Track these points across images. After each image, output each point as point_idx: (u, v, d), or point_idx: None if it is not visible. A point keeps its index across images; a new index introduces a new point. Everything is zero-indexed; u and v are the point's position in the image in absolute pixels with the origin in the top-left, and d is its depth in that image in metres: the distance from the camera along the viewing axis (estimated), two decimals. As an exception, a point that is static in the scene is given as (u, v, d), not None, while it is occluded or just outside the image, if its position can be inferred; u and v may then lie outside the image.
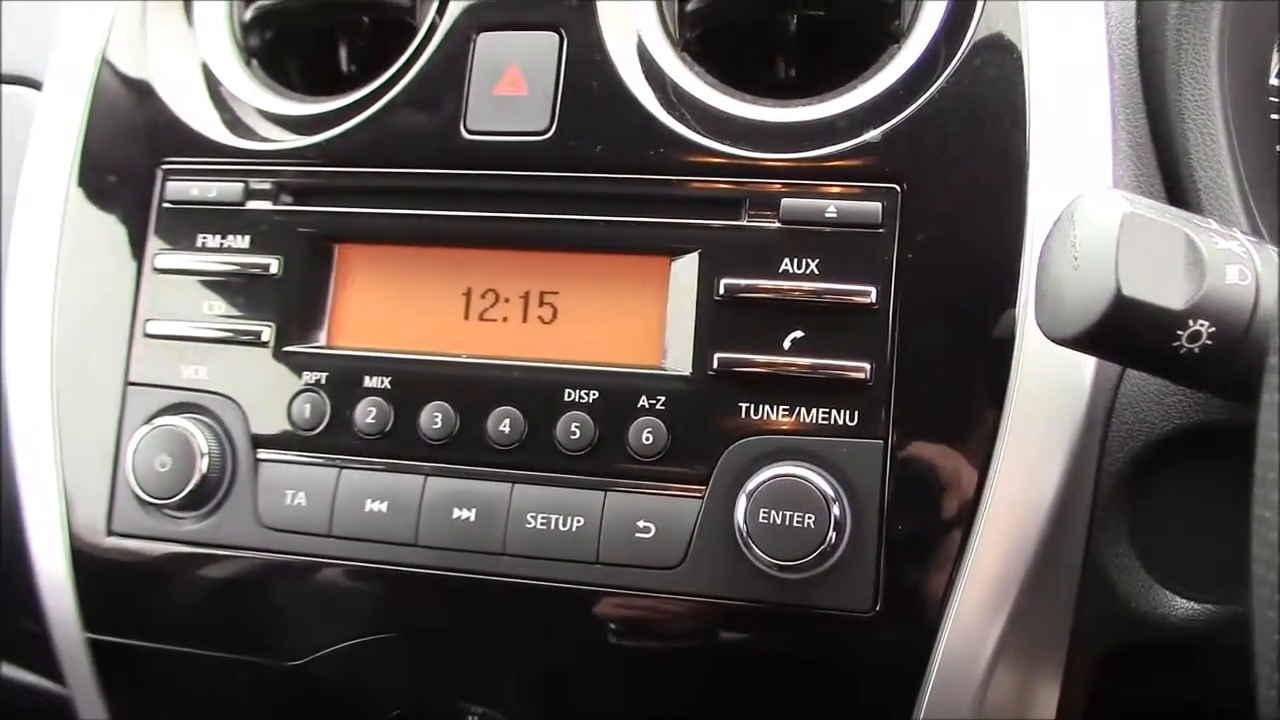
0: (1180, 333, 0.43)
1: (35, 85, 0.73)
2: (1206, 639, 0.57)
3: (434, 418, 0.59)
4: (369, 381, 0.60)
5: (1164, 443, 0.57)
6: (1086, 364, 0.56)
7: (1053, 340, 0.46)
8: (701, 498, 0.56)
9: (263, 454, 0.62)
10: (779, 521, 0.54)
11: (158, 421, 0.62)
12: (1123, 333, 0.43)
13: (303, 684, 0.62)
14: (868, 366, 0.56)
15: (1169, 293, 0.42)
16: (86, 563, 0.64)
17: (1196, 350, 0.43)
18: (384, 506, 0.59)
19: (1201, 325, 0.42)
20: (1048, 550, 0.56)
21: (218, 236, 0.64)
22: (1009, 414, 0.55)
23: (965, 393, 0.56)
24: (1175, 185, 0.57)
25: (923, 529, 0.55)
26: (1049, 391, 0.55)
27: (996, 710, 0.57)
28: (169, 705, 0.69)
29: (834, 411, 0.56)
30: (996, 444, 0.55)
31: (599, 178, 0.60)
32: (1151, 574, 0.58)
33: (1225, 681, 0.60)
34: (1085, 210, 0.44)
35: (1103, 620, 0.58)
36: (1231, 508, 0.56)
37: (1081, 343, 0.44)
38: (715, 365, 0.57)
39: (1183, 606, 0.57)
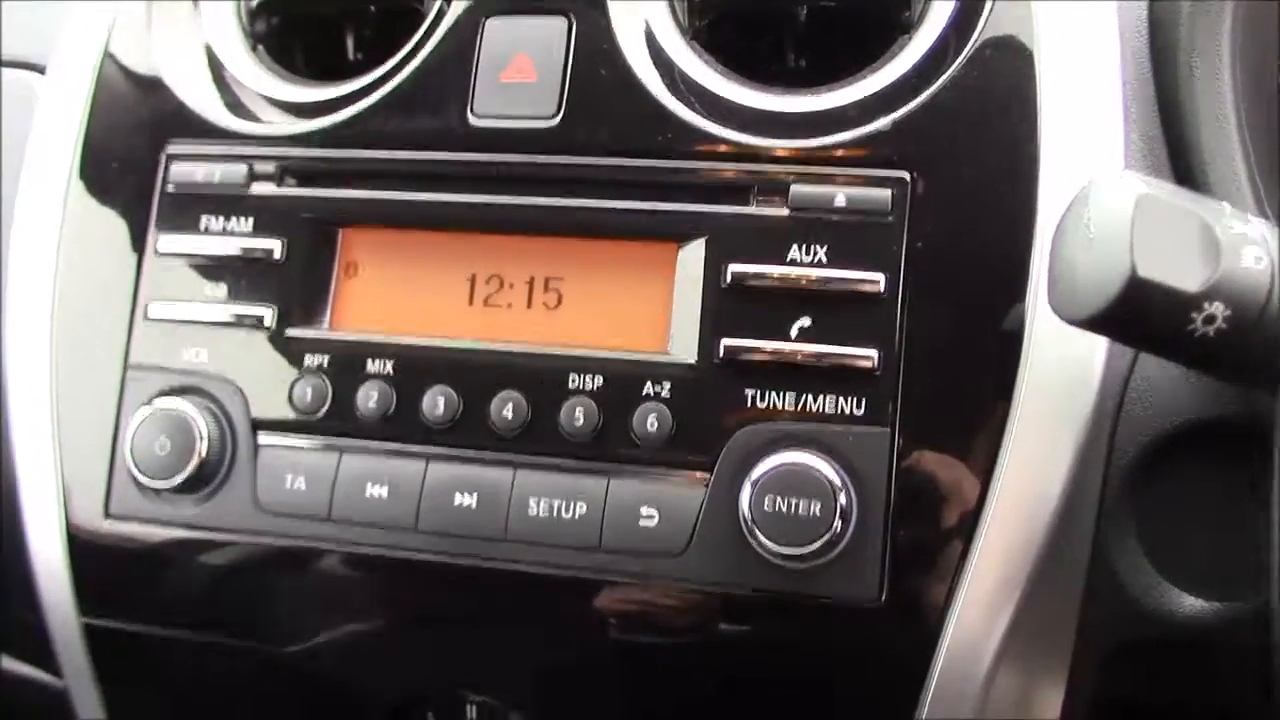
0: (1195, 315, 0.42)
1: (39, 69, 0.73)
2: (1213, 636, 0.56)
3: (436, 403, 0.59)
4: (371, 366, 0.60)
5: (1173, 438, 0.56)
6: (1096, 357, 0.55)
7: (1066, 321, 0.46)
8: (706, 485, 0.56)
9: (263, 438, 0.61)
10: (784, 509, 0.53)
11: (157, 404, 0.61)
12: (1136, 314, 0.42)
13: (300, 671, 0.62)
14: (875, 355, 0.55)
15: (1184, 274, 0.42)
16: (83, 546, 0.64)
17: (1211, 334, 0.42)
18: (384, 492, 0.59)
19: (1216, 308, 0.42)
20: (1055, 544, 0.55)
21: (221, 220, 0.64)
22: (1017, 406, 0.54)
23: (973, 384, 0.55)
24: (1186, 176, 0.57)
25: (930, 519, 0.55)
26: (1058, 384, 0.55)
27: (1001, 703, 0.57)
28: (163, 696, 0.68)
29: (841, 400, 0.55)
30: (1004, 436, 0.54)
31: (606, 165, 0.59)
32: (1159, 570, 0.57)
33: (1232, 680, 0.60)
34: (1100, 191, 0.44)
35: (1109, 616, 0.57)
36: (1239, 504, 0.56)
37: (1095, 324, 0.44)
38: (721, 353, 0.56)
39: (1190, 603, 0.57)
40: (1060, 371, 0.55)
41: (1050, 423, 0.55)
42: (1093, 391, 0.55)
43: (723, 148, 0.58)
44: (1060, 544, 0.55)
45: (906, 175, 0.56)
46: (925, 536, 0.55)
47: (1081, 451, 0.55)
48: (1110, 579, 0.57)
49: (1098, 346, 0.55)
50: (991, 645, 0.55)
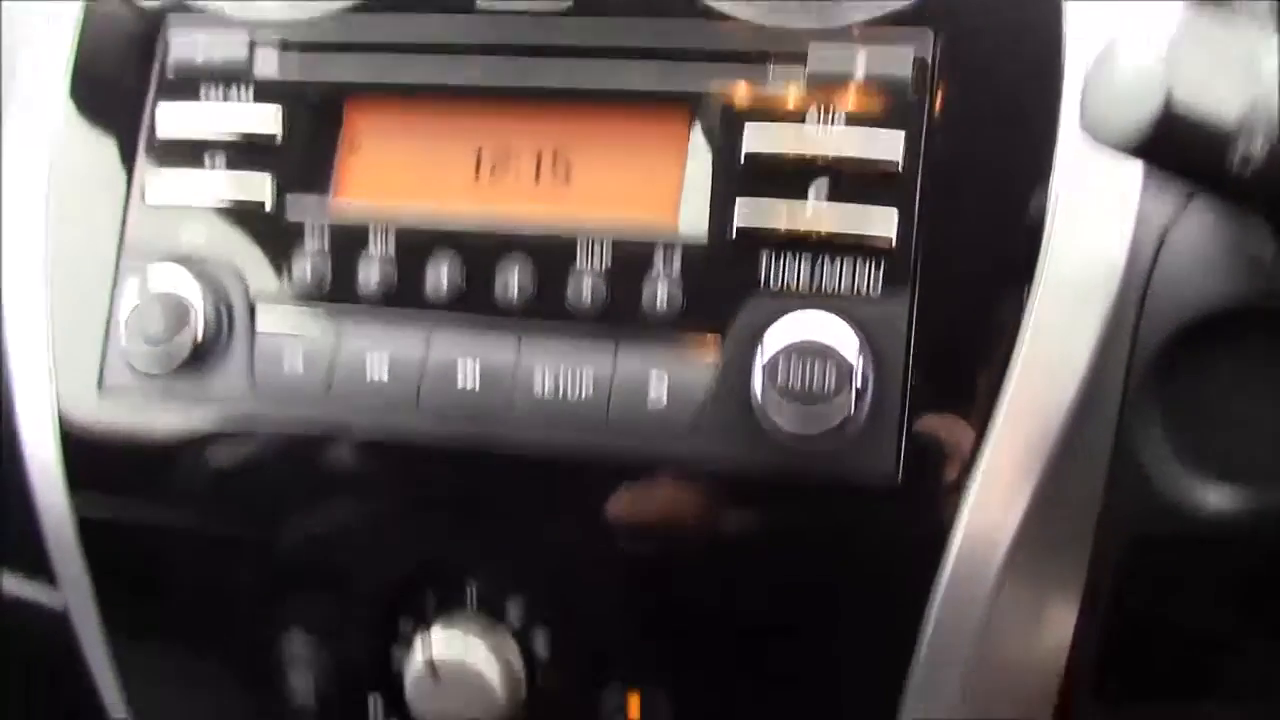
0: (1232, 148, 0.40)
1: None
2: (1239, 530, 0.55)
3: (440, 275, 0.57)
4: (374, 243, 0.58)
5: (1201, 325, 0.54)
6: (1121, 240, 0.53)
7: (1101, 144, 0.44)
8: (717, 358, 0.54)
9: (261, 318, 0.60)
10: (797, 384, 0.51)
11: (152, 286, 0.60)
12: (1171, 146, 0.41)
13: (297, 557, 0.60)
14: (894, 230, 0.53)
15: (1222, 106, 0.40)
16: (76, 434, 0.62)
17: (1248, 170, 0.41)
18: (385, 368, 0.57)
19: (1255, 141, 0.40)
20: (1074, 430, 0.53)
21: (221, 102, 0.62)
22: (1038, 288, 0.53)
23: (994, 264, 0.54)
24: None
25: (947, 398, 0.53)
26: (1080, 267, 0.53)
27: (1015, 600, 0.55)
28: (160, 598, 0.66)
29: (857, 276, 0.53)
30: (1024, 317, 0.53)
31: (619, 35, 0.58)
32: (1185, 462, 0.55)
33: (1254, 587, 0.58)
34: (1137, 20, 0.42)
35: (1132, 508, 0.56)
36: (1269, 394, 0.54)
37: (1130, 153, 0.42)
38: (734, 227, 0.55)
39: (1216, 496, 0.55)
40: (1083, 254, 0.53)
41: (1072, 306, 0.53)
42: (1117, 275, 0.53)
43: (740, 21, 0.56)
44: (1081, 431, 0.53)
45: (928, 45, 0.54)
46: (943, 416, 0.53)
47: (1104, 336, 0.53)
48: (1134, 470, 0.55)
49: (1124, 228, 0.53)
50: (1008, 532, 0.53)
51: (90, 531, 0.64)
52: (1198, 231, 0.54)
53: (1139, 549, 0.57)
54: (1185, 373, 0.55)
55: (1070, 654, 0.59)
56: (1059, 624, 0.58)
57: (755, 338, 0.53)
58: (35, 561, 0.68)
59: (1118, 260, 0.53)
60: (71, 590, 0.66)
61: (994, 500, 0.53)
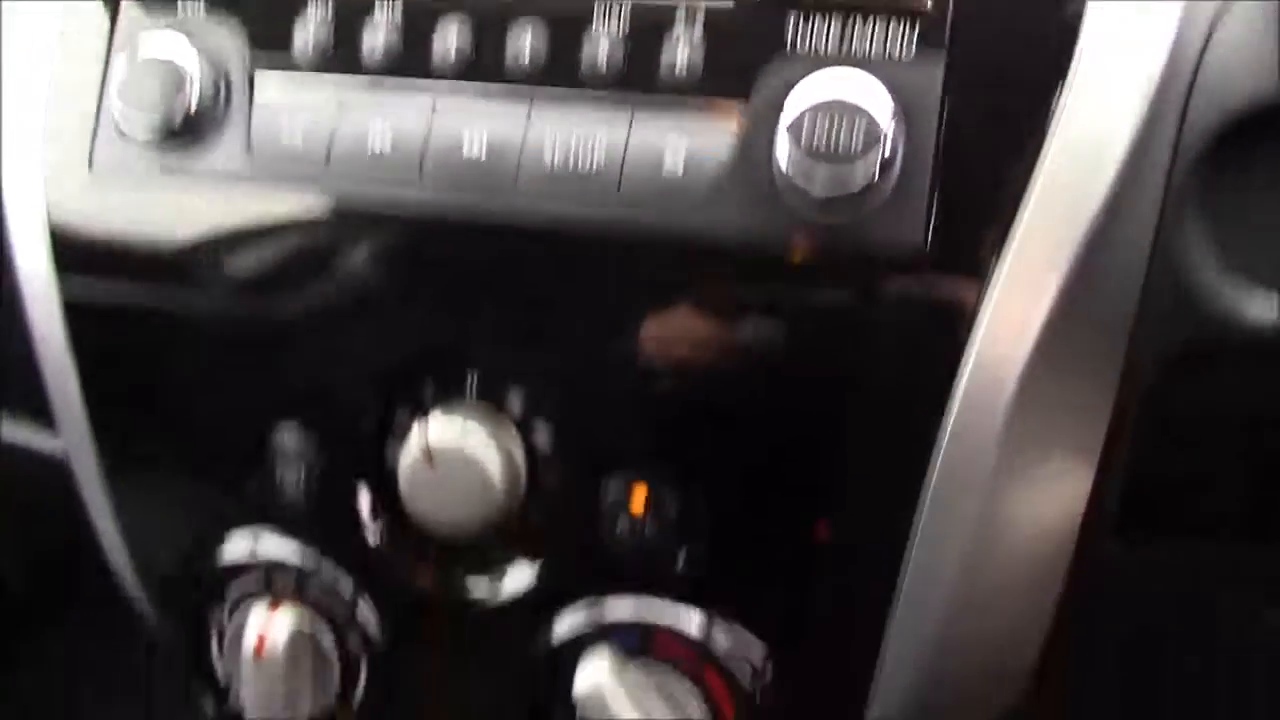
0: None
1: None
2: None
3: (447, 45, 0.54)
4: (379, 9, 0.55)
5: (1249, 121, 0.51)
6: (1168, 21, 0.50)
7: None
8: (738, 128, 0.51)
9: (259, 87, 0.57)
10: (823, 145, 0.48)
11: (144, 53, 0.57)
12: None
13: (295, 344, 0.58)
14: None
15: None
16: (64, 208, 0.60)
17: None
18: (388, 135, 0.54)
19: None
20: (1110, 219, 0.50)
21: None
22: (1079, 61, 0.50)
23: (1033, 33, 0.50)
24: None
25: (980, 168, 0.50)
26: (1122, 48, 0.50)
27: (1043, 398, 0.52)
28: (155, 405, 0.64)
29: (890, 38, 0.50)
30: (1063, 90, 0.49)
31: None
32: (1226, 267, 0.52)
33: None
34: None
35: (1168, 318, 0.53)
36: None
37: None
38: None
39: (1260, 304, 0.52)
40: (1125, 34, 0.50)
41: (1112, 87, 0.50)
42: (1161, 57, 0.50)
43: None
44: (1116, 225, 0.50)
45: None
46: (974, 186, 0.50)
47: (1145, 122, 0.50)
48: (1172, 276, 0.52)
49: (1170, 10, 0.50)
50: (1035, 324, 0.50)
51: (79, 321, 0.61)
52: (1247, 23, 0.51)
53: (1174, 363, 0.54)
54: (1231, 172, 0.52)
55: (1095, 479, 0.56)
56: (1084, 446, 0.55)
57: (779, 101, 0.50)
58: (31, 396, 0.66)
59: (1162, 40, 0.50)
60: (59, 395, 0.64)
61: (1021, 287, 0.50)
